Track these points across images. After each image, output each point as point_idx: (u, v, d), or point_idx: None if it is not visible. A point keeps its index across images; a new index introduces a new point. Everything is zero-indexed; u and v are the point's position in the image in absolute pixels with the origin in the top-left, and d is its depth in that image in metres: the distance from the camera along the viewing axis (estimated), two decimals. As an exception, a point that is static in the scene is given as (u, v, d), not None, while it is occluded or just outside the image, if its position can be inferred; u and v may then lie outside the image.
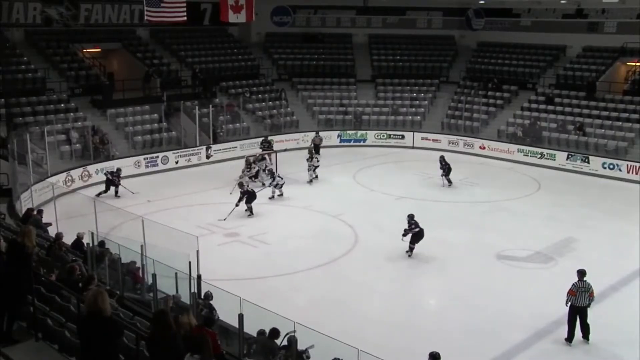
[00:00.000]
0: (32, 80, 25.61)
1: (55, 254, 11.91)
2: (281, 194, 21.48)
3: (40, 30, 28.27)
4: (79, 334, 6.46)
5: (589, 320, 11.94)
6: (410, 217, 16.36)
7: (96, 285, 9.40)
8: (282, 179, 21.63)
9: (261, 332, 10.04)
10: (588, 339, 12.00)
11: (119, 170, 22.02)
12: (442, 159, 23.40)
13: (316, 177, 23.82)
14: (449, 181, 23.06)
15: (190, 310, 7.38)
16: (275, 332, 9.80)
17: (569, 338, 12.04)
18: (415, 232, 16.19)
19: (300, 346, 9.38)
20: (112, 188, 21.43)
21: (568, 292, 11.93)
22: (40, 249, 12.22)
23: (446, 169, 23.03)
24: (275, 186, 21.44)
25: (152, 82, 28.73)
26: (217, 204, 20.42)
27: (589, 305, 11.94)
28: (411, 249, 16.29)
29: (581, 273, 12.03)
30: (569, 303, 11.95)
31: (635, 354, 11.29)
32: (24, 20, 27.12)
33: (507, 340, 12.15)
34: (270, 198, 21.20)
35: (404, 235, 16.29)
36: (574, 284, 11.96)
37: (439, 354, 9.34)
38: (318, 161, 24.19)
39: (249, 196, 19.49)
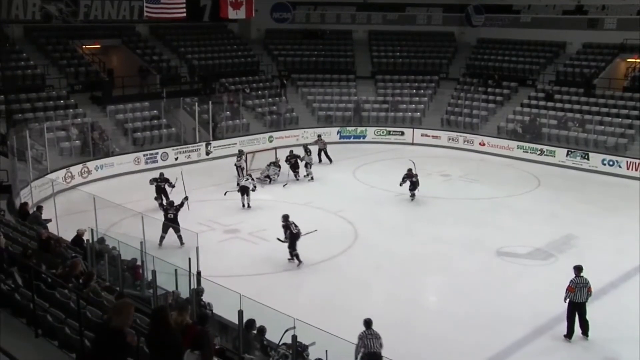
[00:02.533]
0: (31, 76, 25.60)
1: (55, 251, 11.91)
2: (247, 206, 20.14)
3: (40, 27, 28.26)
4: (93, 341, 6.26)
5: (588, 317, 11.98)
6: (285, 218, 15.50)
7: (95, 281, 9.40)
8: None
9: (260, 329, 10.06)
10: (587, 336, 12.03)
11: (162, 175, 20.19)
12: (409, 171, 20.73)
13: (304, 176, 23.56)
14: (413, 195, 20.76)
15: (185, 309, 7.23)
16: (249, 323, 9.83)
17: (569, 334, 12.07)
18: (292, 234, 15.33)
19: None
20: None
21: (567, 289, 11.96)
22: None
23: (411, 181, 20.62)
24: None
25: (150, 79, 28.70)
26: (217, 201, 20.46)
27: (587, 300, 11.97)
28: (295, 256, 15.37)
29: (578, 269, 12.07)
30: (568, 299, 11.98)
31: (635, 350, 11.30)
32: (23, 17, 27.12)
33: (507, 337, 12.17)
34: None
35: (284, 240, 15.48)
36: (571, 280, 12.00)
37: (371, 320, 9.47)
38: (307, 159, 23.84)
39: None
